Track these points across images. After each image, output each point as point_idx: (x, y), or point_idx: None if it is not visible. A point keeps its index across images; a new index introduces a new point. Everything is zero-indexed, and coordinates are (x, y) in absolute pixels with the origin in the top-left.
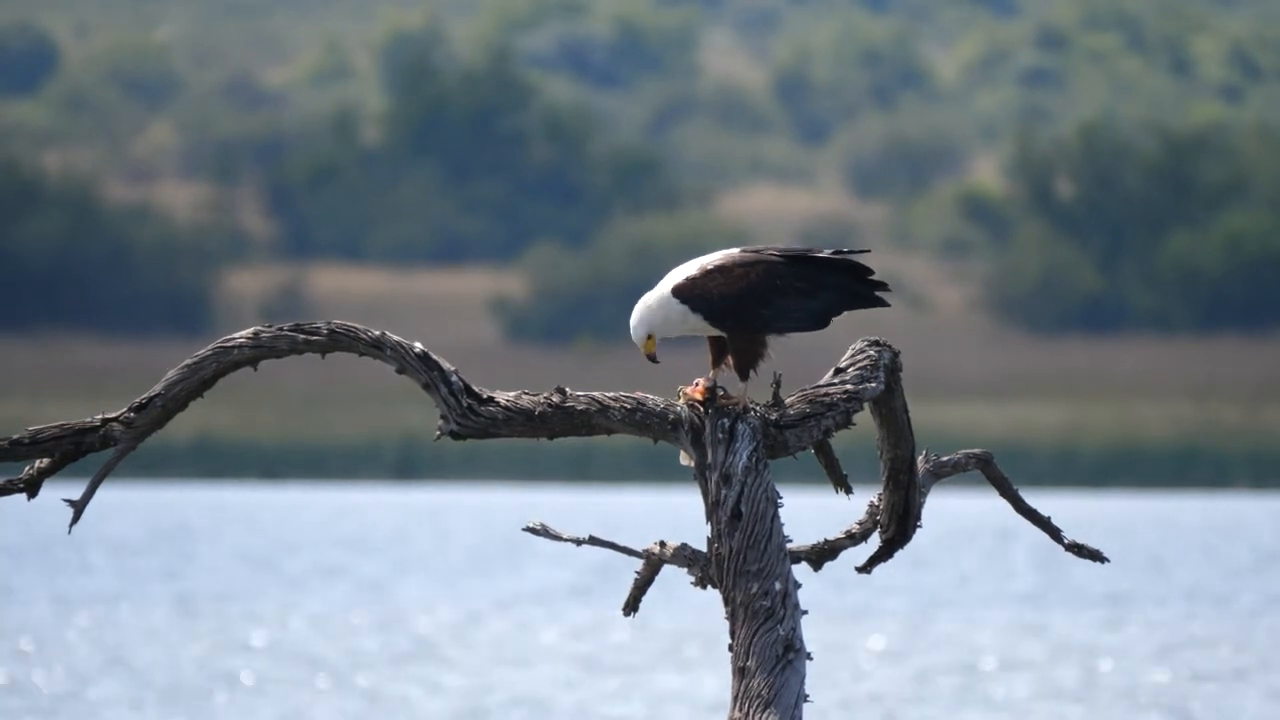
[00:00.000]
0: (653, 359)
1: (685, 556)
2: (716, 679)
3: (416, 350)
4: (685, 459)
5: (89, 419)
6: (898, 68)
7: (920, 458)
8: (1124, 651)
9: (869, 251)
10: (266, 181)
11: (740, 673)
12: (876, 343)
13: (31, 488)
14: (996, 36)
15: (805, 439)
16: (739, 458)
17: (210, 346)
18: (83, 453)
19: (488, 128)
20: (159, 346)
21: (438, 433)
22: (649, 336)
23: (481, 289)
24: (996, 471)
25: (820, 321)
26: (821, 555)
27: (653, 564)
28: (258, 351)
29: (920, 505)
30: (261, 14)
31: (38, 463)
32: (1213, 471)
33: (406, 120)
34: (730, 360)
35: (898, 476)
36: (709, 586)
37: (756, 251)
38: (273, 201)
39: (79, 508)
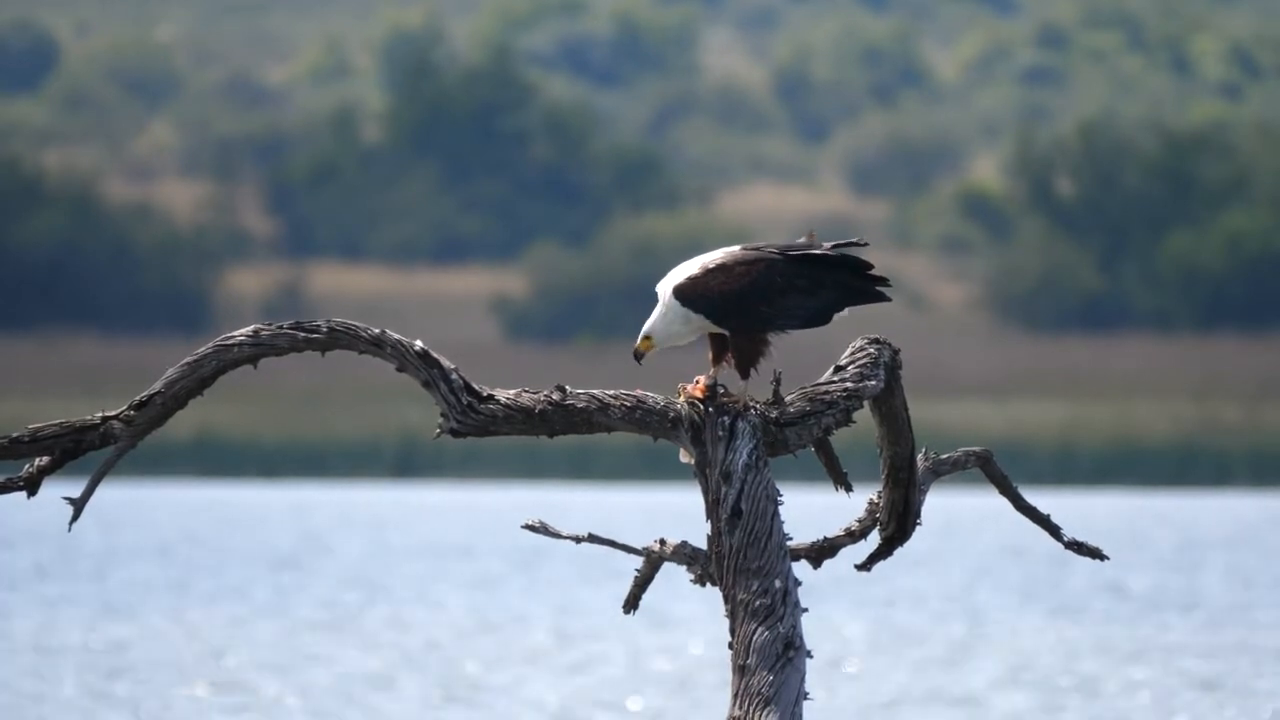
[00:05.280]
0: (637, 357)
1: (685, 554)
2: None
3: (416, 348)
4: (685, 457)
5: (89, 417)
6: (898, 66)
7: (920, 456)
8: (1122, 651)
9: (867, 244)
10: (267, 180)
11: (740, 670)
12: (876, 341)
13: (31, 486)
14: (997, 35)
15: (805, 437)
16: (739, 455)
17: (210, 344)
18: (83, 451)
19: (488, 126)
20: (159, 345)
21: (438, 430)
22: (647, 338)
23: (482, 288)
24: (996, 469)
25: (822, 318)
26: (821, 553)
27: (653, 562)
28: (258, 349)
29: (920, 503)
30: (262, 13)
31: (38, 461)
32: (1212, 470)
33: (407, 119)
34: (731, 358)
35: (897, 474)
36: (709, 584)
37: (757, 249)
38: (273, 200)
39: (79, 506)
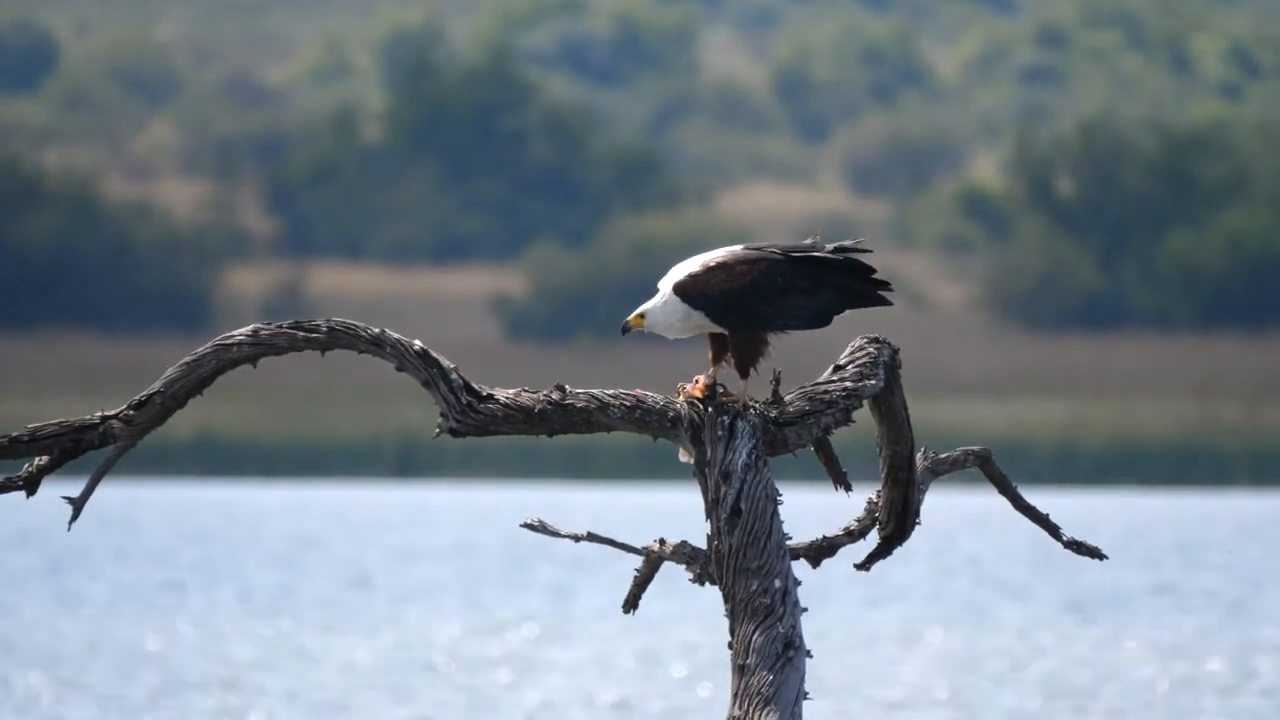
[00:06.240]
0: (624, 330)
1: (685, 554)
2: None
3: (416, 348)
4: (685, 456)
5: (88, 416)
6: (898, 66)
7: (919, 455)
8: (1122, 649)
9: (870, 250)
10: (267, 179)
11: (740, 670)
12: (876, 340)
13: (31, 485)
14: (997, 34)
15: (805, 436)
16: (739, 455)
17: (210, 344)
18: (82, 450)
19: (488, 126)
20: (159, 344)
21: (437, 430)
22: (641, 316)
23: (481, 287)
24: (995, 469)
25: (822, 319)
26: (820, 552)
27: (652, 561)
28: (257, 349)
29: (919, 502)
30: (262, 12)
31: (37, 460)
32: (1213, 469)
33: (407, 118)
34: (730, 357)
35: (897, 474)
36: (708, 583)
37: (759, 249)
38: (273, 199)
39: (78, 505)
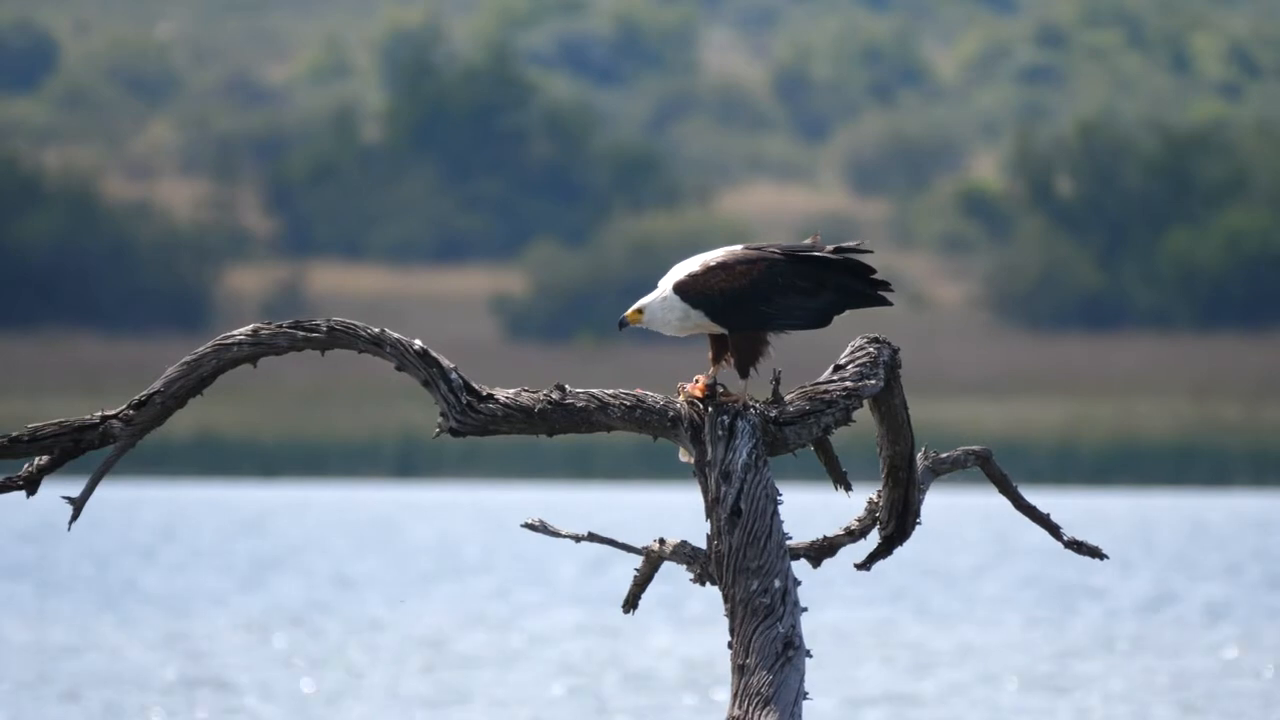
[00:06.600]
0: (622, 325)
1: (685, 554)
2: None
3: (415, 347)
4: (685, 456)
5: (88, 416)
6: (898, 65)
7: (920, 454)
8: (1120, 648)
9: (871, 251)
10: (266, 179)
11: (740, 670)
12: (876, 340)
13: (31, 485)
14: (996, 34)
15: (805, 436)
16: (739, 455)
17: (210, 344)
18: (82, 450)
19: (488, 125)
20: (159, 344)
21: (437, 430)
22: (639, 311)
23: (481, 287)
24: (996, 468)
25: (822, 320)
26: (820, 552)
27: (652, 561)
28: (257, 349)
29: (919, 502)
30: (261, 11)
31: (37, 460)
32: (1212, 469)
33: (407, 118)
34: (730, 357)
35: (897, 473)
36: (708, 583)
37: (759, 249)
38: (273, 199)
39: (78, 505)
